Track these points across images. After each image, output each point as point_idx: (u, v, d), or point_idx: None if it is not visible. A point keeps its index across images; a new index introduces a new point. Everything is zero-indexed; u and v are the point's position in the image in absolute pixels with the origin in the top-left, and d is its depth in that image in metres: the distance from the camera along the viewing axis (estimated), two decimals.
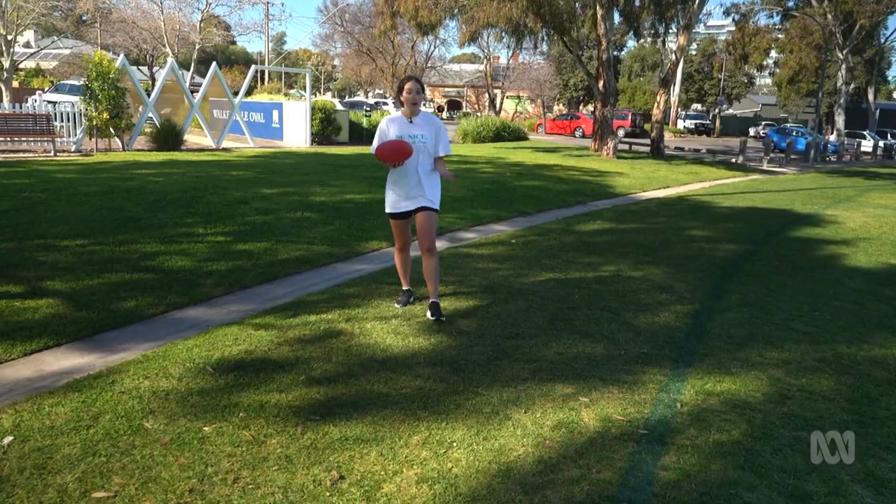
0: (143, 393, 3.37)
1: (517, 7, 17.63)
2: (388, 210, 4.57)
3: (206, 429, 3.01)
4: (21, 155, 13.54)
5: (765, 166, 23.72)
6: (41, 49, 37.91)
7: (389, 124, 4.39)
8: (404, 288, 5.08)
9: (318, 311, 4.80)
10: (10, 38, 26.61)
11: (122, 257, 5.89)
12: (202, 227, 7.26)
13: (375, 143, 4.37)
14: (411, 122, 4.33)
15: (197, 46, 33.04)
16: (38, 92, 22.09)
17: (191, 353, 3.94)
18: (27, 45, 43.88)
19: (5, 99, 25.65)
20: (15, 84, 31.42)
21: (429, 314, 4.68)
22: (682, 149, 27.96)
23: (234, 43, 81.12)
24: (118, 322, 4.45)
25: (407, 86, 4.26)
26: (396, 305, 4.97)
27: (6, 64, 26.76)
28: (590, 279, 6.01)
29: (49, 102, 18.64)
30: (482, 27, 18.20)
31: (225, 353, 3.95)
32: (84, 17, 40.38)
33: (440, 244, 7.43)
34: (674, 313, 5.12)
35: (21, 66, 36.01)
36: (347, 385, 3.55)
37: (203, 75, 58.92)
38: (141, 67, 48.76)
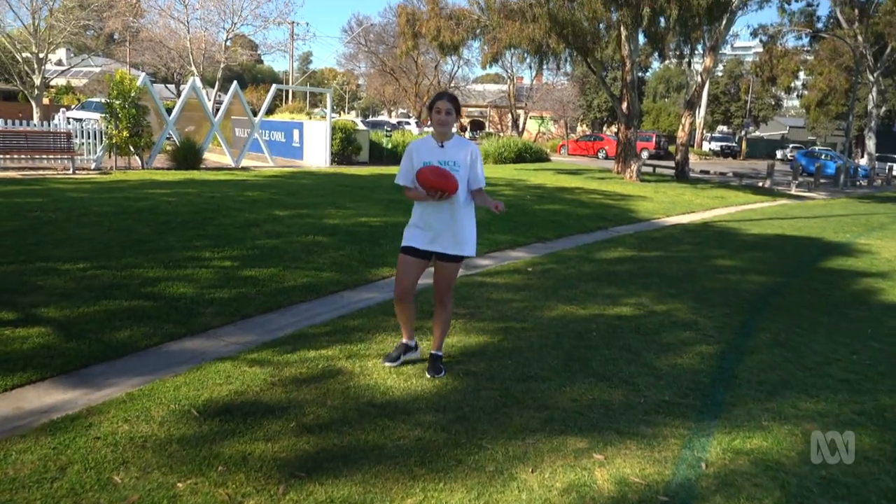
0: (119, 439, 3.12)
1: (540, 28, 17.45)
2: (403, 243, 3.88)
3: (179, 485, 2.75)
4: (41, 172, 13.58)
5: (793, 191, 23.17)
6: (71, 67, 38.61)
7: (417, 149, 3.79)
8: (403, 340, 4.26)
9: (319, 345, 4.54)
10: (41, 56, 27.15)
11: (123, 283, 5.70)
12: (210, 250, 7.07)
13: (404, 171, 3.79)
14: (442, 146, 3.72)
15: (222, 65, 33.33)
16: (61, 109, 22.32)
17: (178, 392, 3.69)
18: (59, 63, 44.80)
19: (35, 116, 26.09)
20: (46, 101, 32.01)
21: (427, 374, 4.06)
22: (707, 172, 27.49)
23: (260, 62, 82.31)
24: (109, 354, 4.23)
25: (438, 104, 3.67)
26: (385, 363, 4.18)
27: (37, 81, 27.27)
28: (609, 313, 5.69)
29: (74, 120, 18.81)
30: (504, 48, 18.05)
31: (214, 393, 3.69)
32: (115, 37, 41.13)
33: None
34: (698, 354, 4.78)
35: (52, 83, 36.71)
36: (340, 434, 3.27)
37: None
38: (168, 86, 49.57)
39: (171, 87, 48.68)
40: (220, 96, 38.32)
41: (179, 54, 35.41)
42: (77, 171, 14.02)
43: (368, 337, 4.75)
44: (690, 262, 8.38)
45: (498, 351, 4.58)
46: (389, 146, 22.90)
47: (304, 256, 7.16)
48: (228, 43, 34.11)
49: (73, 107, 32.12)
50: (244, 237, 7.83)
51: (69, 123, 15.77)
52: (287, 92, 47.51)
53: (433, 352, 4.18)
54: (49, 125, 14.74)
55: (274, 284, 6.07)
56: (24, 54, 27.91)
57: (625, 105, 20.49)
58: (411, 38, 19.95)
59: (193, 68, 33.02)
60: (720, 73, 61.03)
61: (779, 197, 20.29)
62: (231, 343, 4.64)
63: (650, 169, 26.30)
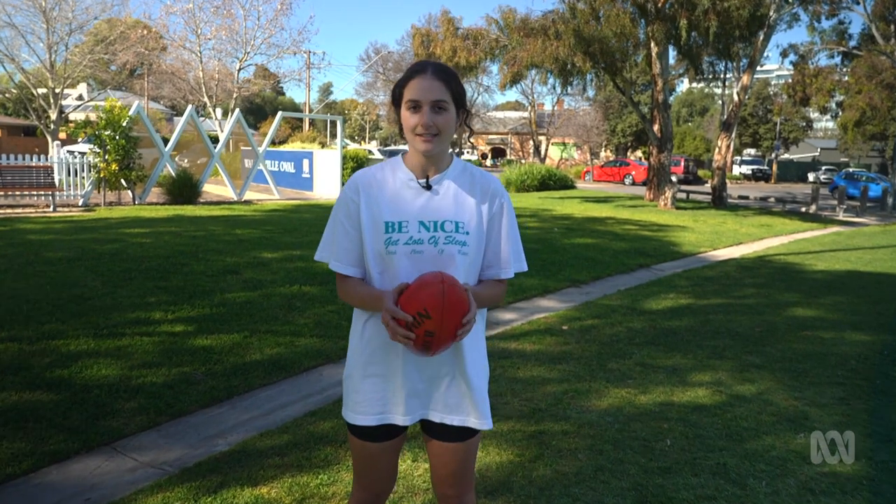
0: None
1: (564, 46, 16.10)
2: (349, 415, 1.87)
3: None
4: (19, 210, 12.38)
5: (841, 216, 21.38)
6: (87, 101, 38.18)
7: (370, 190, 1.81)
8: None
9: (264, 477, 3.06)
10: (57, 91, 26.58)
11: (27, 363, 4.29)
12: (164, 309, 5.65)
13: (333, 238, 1.84)
14: (428, 185, 1.80)
15: (234, 95, 32.49)
16: (55, 143, 21.40)
17: None
18: (80, 98, 44.64)
19: (50, 150, 25.34)
20: (62, 136, 31.46)
21: None
22: (746, 197, 25.75)
23: (282, 94, 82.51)
24: None
25: (413, 84, 1.74)
26: None
27: (53, 116, 26.66)
28: (681, 401, 4.13)
29: (69, 152, 17.79)
30: (525, 68, 16.73)
31: None
32: (138, 71, 40.80)
33: None
34: (832, 482, 3.20)
35: (72, 117, 36.30)
36: None
37: (252, 126, 59.38)
38: (197, 118, 49.05)
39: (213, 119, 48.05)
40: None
41: (198, 85, 34.70)
42: (61, 209, 12.82)
43: (338, 458, 3.25)
44: (762, 312, 6.79)
45: (529, 482, 3.06)
46: None
47: (282, 315, 5.72)
48: (242, 73, 33.33)
49: (80, 140, 31.44)
50: (213, 289, 6.42)
51: (60, 157, 14.64)
52: (304, 121, 46.76)
53: None
54: (39, 160, 13.60)
55: (232, 359, 4.63)
56: (40, 90, 27.38)
57: (656, 127, 18.99)
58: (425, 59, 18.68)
59: (206, 99, 32.23)
60: (746, 96, 59.36)
61: (828, 224, 18.53)
62: (140, 466, 3.18)
63: (684, 195, 24.66)
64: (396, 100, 1.80)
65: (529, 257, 8.49)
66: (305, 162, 20.45)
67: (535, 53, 16.12)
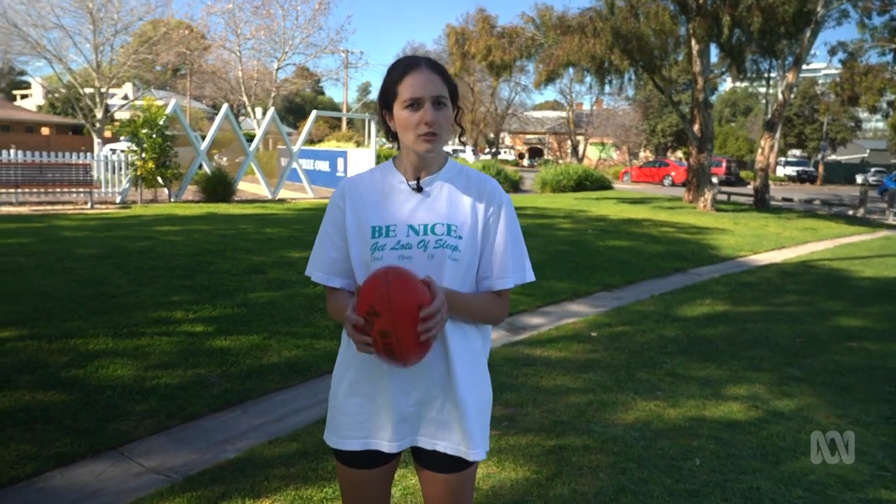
0: None
1: (601, 43, 15.76)
2: (331, 438, 1.73)
3: None
4: (57, 207, 12.61)
5: (890, 220, 20.54)
6: (131, 101, 39.02)
7: (355, 196, 1.68)
8: None
9: (267, 488, 2.94)
10: (103, 90, 27.26)
11: (44, 361, 4.27)
12: (185, 308, 5.61)
13: (323, 249, 1.73)
14: (418, 187, 1.65)
15: (273, 94, 32.82)
16: (96, 142, 21.84)
17: None
18: (125, 97, 45.74)
19: (95, 148, 25.94)
20: (107, 134, 32.23)
21: None
22: (790, 200, 24.96)
23: (321, 93, 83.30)
24: None
25: (408, 81, 1.59)
26: None
27: (99, 115, 27.34)
28: (712, 416, 3.90)
29: (111, 151, 18.13)
30: (561, 66, 16.42)
31: None
32: (181, 70, 41.56)
33: (494, 334, 5.49)
34: None
35: (118, 116, 37.16)
36: None
37: (292, 125, 59.99)
38: (232, 117, 49.80)
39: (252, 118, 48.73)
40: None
41: (238, 84, 35.14)
42: (99, 206, 13.03)
43: None
44: (804, 321, 6.46)
45: (545, 503, 2.88)
46: None
47: (304, 316, 5.63)
48: (280, 72, 33.64)
49: (122, 138, 32.10)
50: (237, 288, 6.37)
51: (100, 155, 14.90)
52: (342, 120, 47.07)
53: None
54: (79, 157, 13.83)
55: (249, 361, 4.55)
56: (87, 90, 28.09)
57: (696, 127, 18.49)
58: (460, 58, 18.52)
59: (245, 98, 32.63)
60: (792, 95, 57.74)
61: (877, 228, 17.82)
62: (145, 472, 3.10)
63: (724, 197, 24.01)
64: (388, 100, 1.63)
65: (560, 262, 8.19)
66: (340, 161, 20.48)
67: (571, 51, 15.81)
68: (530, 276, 1.69)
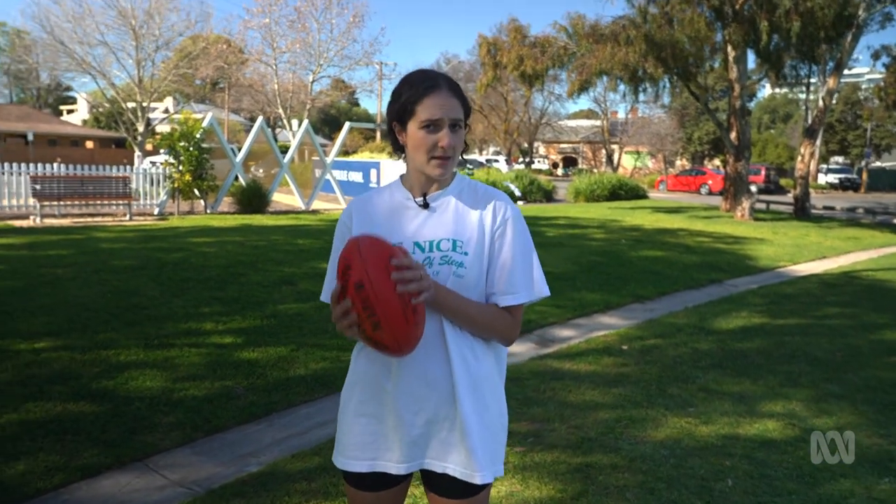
0: None
1: (634, 51, 15.59)
2: (338, 459, 1.68)
3: None
4: (98, 219, 12.92)
5: None
6: (171, 114, 39.99)
7: (364, 215, 1.67)
8: None
9: (288, 503, 2.93)
10: (144, 104, 28.04)
11: (76, 372, 4.34)
12: (215, 320, 5.67)
13: (332, 268, 1.67)
14: (425, 203, 1.63)
15: (308, 106, 33.27)
16: (136, 154, 22.43)
17: None
18: (166, 111, 46.96)
19: (136, 161, 26.66)
20: (148, 147, 33.09)
21: None
22: (832, 208, 24.31)
23: (357, 105, 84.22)
24: None
25: (426, 102, 1.56)
26: None
27: (140, 128, 28.11)
28: (746, 435, 3.77)
29: (152, 163, 18.56)
30: (594, 75, 16.29)
31: None
32: (220, 84, 42.48)
33: (522, 347, 5.44)
34: None
35: (158, 129, 38.14)
36: None
37: (327, 137, 60.73)
38: (266, 129, 50.67)
39: (268, 130, 49.68)
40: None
41: (274, 97, 35.75)
42: (137, 217, 13.32)
43: None
44: (845, 334, 6.25)
45: None
46: None
47: (332, 328, 5.61)
48: (315, 85, 34.08)
49: (162, 151, 32.84)
50: (267, 300, 6.42)
51: (138, 168, 15.25)
52: (376, 131, 47.43)
53: None
54: (118, 170, 14.19)
55: (276, 373, 4.56)
56: (129, 104, 28.91)
57: (733, 134, 18.15)
58: (492, 68, 18.50)
59: (281, 111, 33.12)
60: (834, 101, 56.31)
61: None
62: (169, 485, 3.12)
63: (763, 205, 23.50)
64: (403, 116, 1.60)
65: (592, 273, 8.07)
66: (373, 172, 20.63)
67: (604, 60, 15.68)
68: (542, 292, 1.64)
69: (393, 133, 1.64)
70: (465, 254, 1.58)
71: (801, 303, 7.73)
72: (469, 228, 1.60)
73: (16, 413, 3.71)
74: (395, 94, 1.62)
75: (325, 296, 1.66)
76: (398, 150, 1.65)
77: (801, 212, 20.23)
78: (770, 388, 4.61)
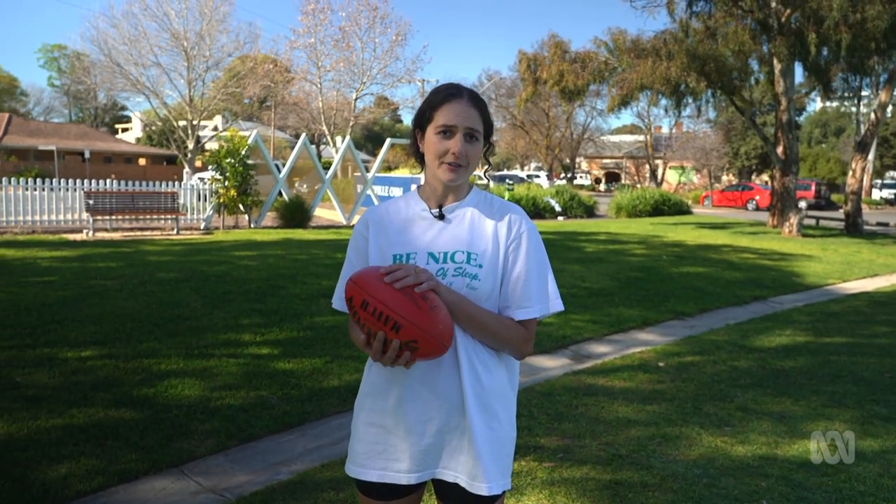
0: None
1: (676, 65, 15.43)
2: (350, 468, 1.71)
3: None
4: (147, 233, 13.34)
5: None
6: (220, 132, 41.10)
7: (380, 226, 1.69)
8: None
9: None
10: (195, 123, 28.98)
11: (119, 380, 4.48)
12: (254, 331, 5.79)
13: (344, 276, 1.70)
14: (440, 215, 1.65)
15: (351, 123, 33.80)
16: (186, 171, 23.11)
17: None
18: (215, 128, 48.30)
19: (185, 177, 27.51)
20: (198, 164, 34.08)
21: None
22: (886, 224, 23.50)
23: (400, 121, 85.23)
24: None
25: (445, 109, 1.60)
26: None
27: (190, 146, 29.04)
28: (785, 456, 3.67)
29: (200, 179, 19.08)
30: (635, 90, 16.17)
31: None
32: (267, 102, 43.54)
33: (556, 362, 5.40)
34: None
35: (207, 147, 39.30)
36: None
37: (370, 153, 61.56)
38: (310, 146, 51.65)
39: (312, 147, 50.54)
40: (360, 155, 38.93)
41: (318, 114, 36.43)
42: (184, 231, 13.70)
43: None
44: (895, 354, 6.03)
45: None
46: (509, 200, 21.44)
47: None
48: (359, 102, 34.61)
49: (209, 167, 33.73)
50: (304, 312, 6.53)
51: (185, 184, 15.72)
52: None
53: None
54: (167, 186, 14.64)
55: (310, 383, 4.63)
56: (180, 122, 29.89)
57: (780, 149, 17.74)
58: (532, 84, 18.53)
59: (325, 128, 33.73)
60: (889, 114, 54.53)
61: None
62: (202, 490, 3.19)
63: (812, 222, 22.84)
64: (422, 121, 1.64)
65: (631, 289, 8.03)
66: (413, 187, 20.69)
67: (645, 75, 15.56)
68: (556, 307, 1.63)
69: (415, 141, 1.67)
70: (480, 266, 1.59)
71: (850, 321, 7.49)
72: (484, 241, 1.62)
73: (60, 418, 3.85)
74: (422, 103, 1.66)
75: (336, 302, 1.71)
76: (418, 158, 1.68)
77: (853, 228, 19.60)
78: (812, 408, 4.48)
